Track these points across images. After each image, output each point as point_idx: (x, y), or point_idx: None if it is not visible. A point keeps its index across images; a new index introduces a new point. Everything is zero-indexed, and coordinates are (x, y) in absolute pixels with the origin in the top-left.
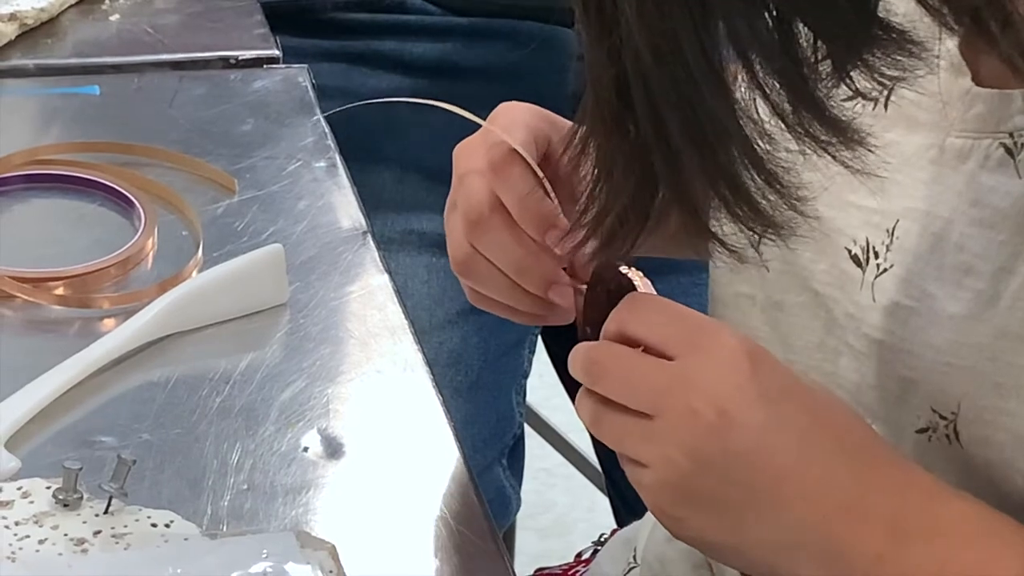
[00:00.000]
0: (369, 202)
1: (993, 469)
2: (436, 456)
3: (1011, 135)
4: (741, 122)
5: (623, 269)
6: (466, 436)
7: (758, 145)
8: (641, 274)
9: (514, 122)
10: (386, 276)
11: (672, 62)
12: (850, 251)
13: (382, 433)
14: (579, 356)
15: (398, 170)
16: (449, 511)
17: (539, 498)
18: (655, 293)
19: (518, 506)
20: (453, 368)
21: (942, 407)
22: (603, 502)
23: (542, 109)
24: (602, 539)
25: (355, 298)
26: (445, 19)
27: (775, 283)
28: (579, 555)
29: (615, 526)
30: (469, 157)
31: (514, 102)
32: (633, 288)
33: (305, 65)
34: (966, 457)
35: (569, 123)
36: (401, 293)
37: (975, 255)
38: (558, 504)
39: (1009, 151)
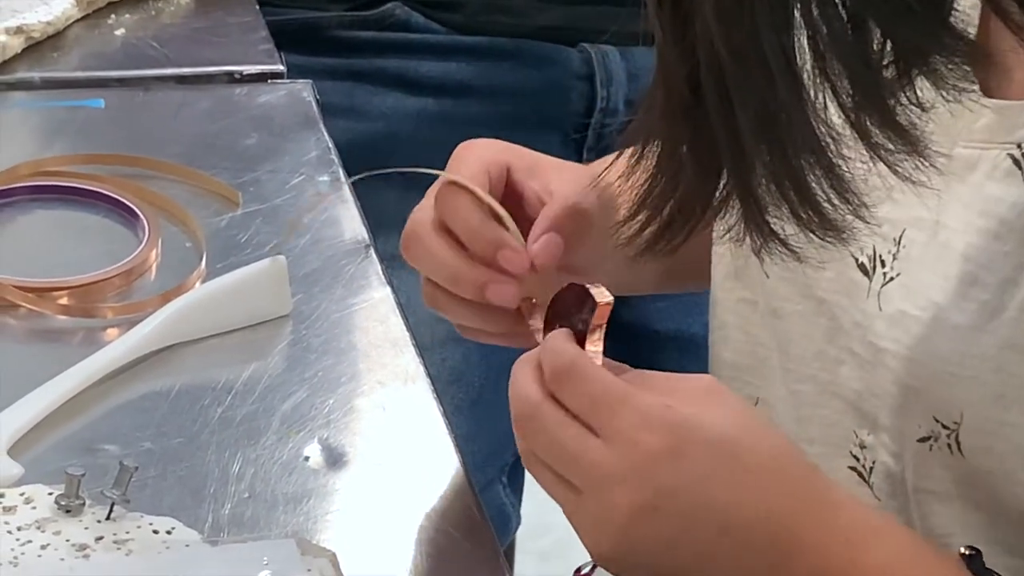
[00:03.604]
0: (372, 219)
1: (994, 479)
2: (437, 466)
3: (1019, 146)
4: (813, 121)
5: (589, 286)
6: (467, 453)
7: (829, 149)
8: (604, 289)
9: (465, 158)
10: (388, 289)
11: (749, 59)
12: (857, 260)
13: (383, 444)
14: (512, 395)
15: (401, 188)
16: (449, 521)
17: (539, 520)
18: (612, 301)
19: (518, 524)
20: (454, 385)
21: (945, 417)
22: None
23: (502, 142)
24: None
25: (358, 310)
26: (449, 38)
27: (776, 290)
28: (579, 570)
29: None
30: (428, 195)
31: (474, 140)
32: (592, 300)
33: (309, 80)
34: (967, 467)
35: (529, 152)
36: (404, 309)
37: (981, 266)
38: (558, 526)
39: (1017, 162)
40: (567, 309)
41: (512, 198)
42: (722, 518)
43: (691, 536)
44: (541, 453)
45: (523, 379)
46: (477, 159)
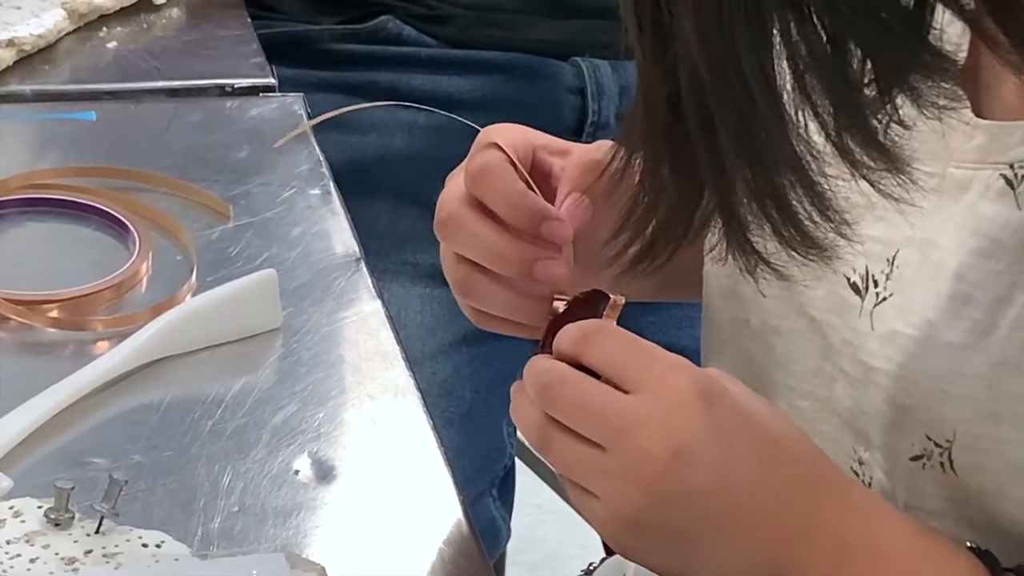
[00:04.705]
0: (364, 233)
1: (986, 497)
2: (426, 480)
3: (1011, 166)
4: (793, 140)
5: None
6: (457, 466)
7: (809, 167)
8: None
9: (492, 138)
10: (379, 302)
11: (729, 78)
12: (849, 279)
13: (373, 457)
14: (532, 376)
15: (392, 202)
16: (439, 535)
17: (531, 533)
18: (624, 302)
19: (508, 537)
20: (445, 398)
21: (937, 435)
22: (595, 539)
23: (529, 128)
24: (591, 568)
25: (348, 324)
26: (441, 51)
27: (771, 308)
28: None
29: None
30: (451, 177)
31: (499, 124)
32: (607, 299)
33: (300, 93)
34: (960, 485)
35: (553, 137)
36: (394, 322)
37: (973, 284)
38: (549, 540)
39: (1009, 182)
40: (575, 312)
41: (538, 178)
42: (752, 476)
43: (720, 493)
44: (566, 414)
45: (541, 360)
46: (503, 139)
